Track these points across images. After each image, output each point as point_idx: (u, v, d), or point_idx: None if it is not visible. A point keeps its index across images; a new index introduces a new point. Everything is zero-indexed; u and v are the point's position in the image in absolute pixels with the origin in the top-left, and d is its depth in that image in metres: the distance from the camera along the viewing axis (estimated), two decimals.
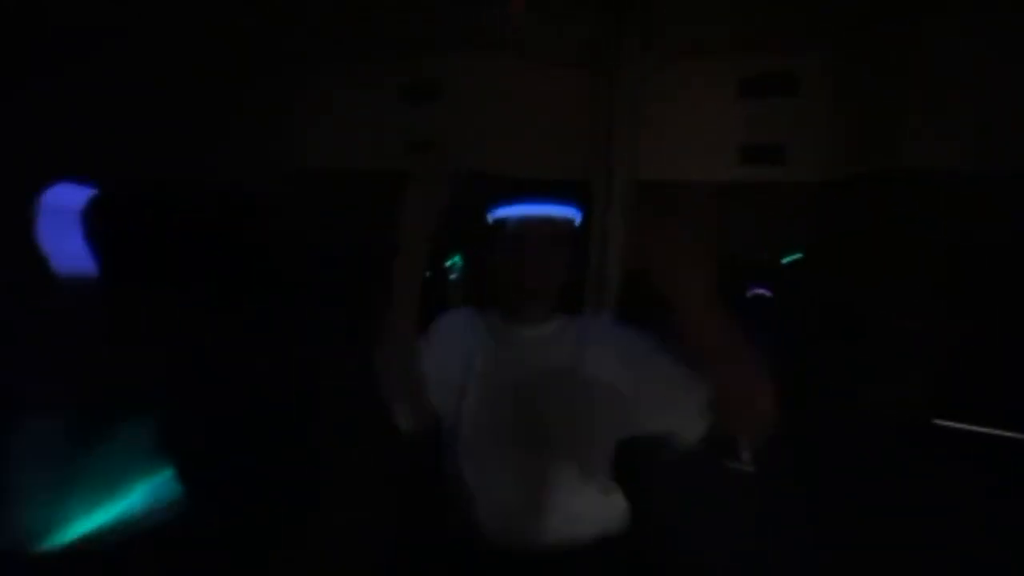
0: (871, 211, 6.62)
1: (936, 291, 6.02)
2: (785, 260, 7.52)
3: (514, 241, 0.98)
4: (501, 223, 1.01)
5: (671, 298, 0.81)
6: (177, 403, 3.49)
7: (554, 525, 0.94)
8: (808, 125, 7.32)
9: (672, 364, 0.93)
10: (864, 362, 5.79)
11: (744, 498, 3.85)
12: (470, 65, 7.77)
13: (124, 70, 6.43)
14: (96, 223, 4.89)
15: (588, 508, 0.96)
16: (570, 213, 1.01)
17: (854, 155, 7.00)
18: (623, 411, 0.96)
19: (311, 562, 2.56)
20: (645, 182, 6.54)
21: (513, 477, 0.96)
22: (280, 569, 2.51)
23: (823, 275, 7.42)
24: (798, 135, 7.37)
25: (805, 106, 7.36)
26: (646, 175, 6.71)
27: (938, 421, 5.46)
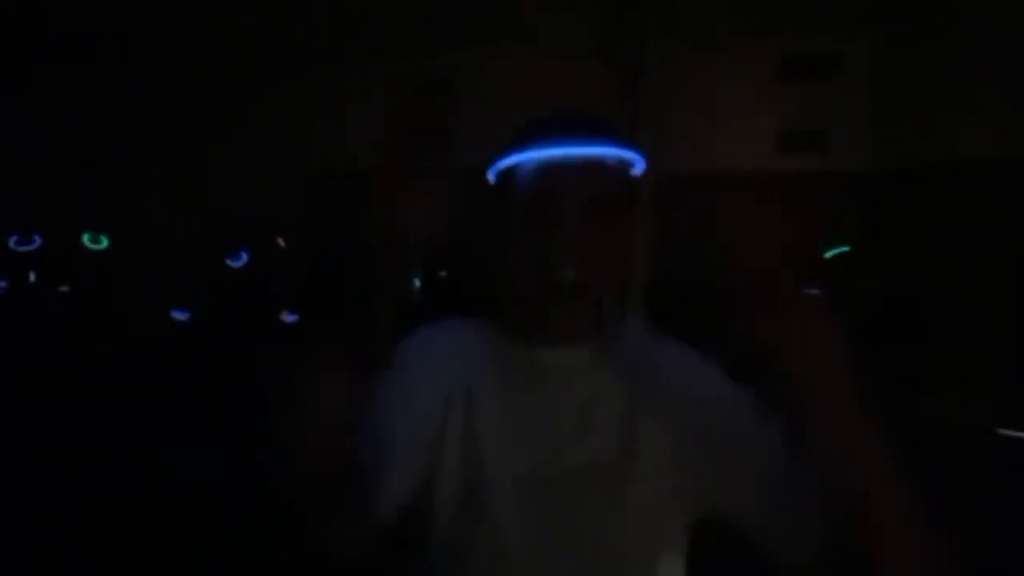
0: (920, 203, 6.14)
1: (998, 290, 5.52)
2: (829, 254, 6.95)
3: (537, 202, 0.55)
4: (511, 177, 0.60)
5: (789, 369, 0.45)
6: None
7: None
8: (848, 112, 6.86)
9: (774, 429, 0.53)
10: (925, 367, 5.30)
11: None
12: (478, 58, 7.45)
13: (125, 70, 6.26)
14: None
15: None
16: (627, 155, 0.57)
17: (898, 144, 6.53)
18: (704, 473, 0.56)
19: None
20: (673, 175, 6.16)
21: None
22: None
23: (875, 272, 6.81)
24: (836, 123, 6.91)
25: (844, 94, 6.91)
26: (673, 168, 6.31)
27: (1003, 430, 5.06)
